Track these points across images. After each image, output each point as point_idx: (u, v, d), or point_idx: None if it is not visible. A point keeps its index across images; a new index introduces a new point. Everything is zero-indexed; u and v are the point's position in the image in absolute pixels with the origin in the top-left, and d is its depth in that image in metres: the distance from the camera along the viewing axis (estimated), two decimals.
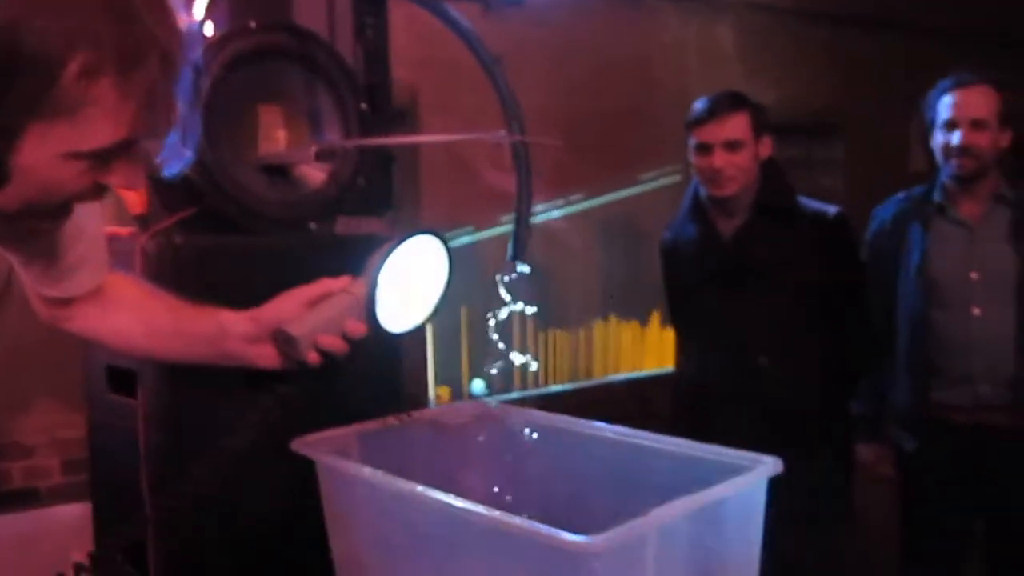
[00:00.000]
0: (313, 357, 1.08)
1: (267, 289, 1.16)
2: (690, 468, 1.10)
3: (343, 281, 1.12)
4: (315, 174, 1.57)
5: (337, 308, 1.10)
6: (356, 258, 1.35)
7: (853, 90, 5.02)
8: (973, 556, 2.49)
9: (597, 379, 4.40)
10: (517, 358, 2.63)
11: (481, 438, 1.34)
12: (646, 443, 1.18)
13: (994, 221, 2.31)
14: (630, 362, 4.54)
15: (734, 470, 1.03)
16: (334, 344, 1.08)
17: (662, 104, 4.40)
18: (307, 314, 1.09)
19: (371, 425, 1.30)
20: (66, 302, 1.16)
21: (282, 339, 1.09)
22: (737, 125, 2.16)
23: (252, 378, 1.18)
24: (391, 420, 1.33)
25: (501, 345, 2.39)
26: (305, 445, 1.20)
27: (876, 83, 5.00)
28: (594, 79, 4.19)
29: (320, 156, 1.49)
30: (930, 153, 2.45)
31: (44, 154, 0.76)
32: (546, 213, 4.16)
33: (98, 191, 0.85)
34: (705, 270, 2.27)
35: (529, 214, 1.90)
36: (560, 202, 4.31)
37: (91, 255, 1.13)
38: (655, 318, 4.43)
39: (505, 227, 4.00)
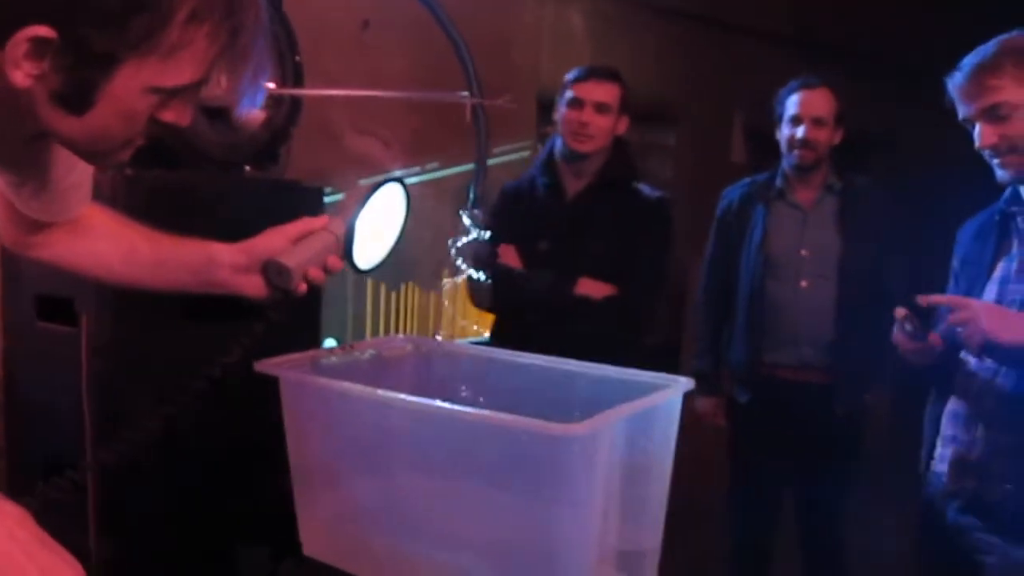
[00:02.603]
0: (301, 287, 1.20)
1: (208, 225, 1.26)
2: (611, 388, 1.31)
3: (322, 220, 1.24)
4: (254, 119, 1.65)
5: (320, 244, 1.21)
6: (288, 201, 1.48)
7: (687, 83, 5.42)
8: (790, 495, 2.89)
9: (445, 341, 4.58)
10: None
11: (418, 368, 1.50)
12: (572, 368, 1.38)
13: (824, 207, 2.68)
14: (474, 326, 4.75)
15: (652, 388, 1.25)
16: (318, 276, 1.21)
17: (516, 82, 4.61)
18: (295, 248, 1.20)
19: (321, 353, 1.43)
20: (43, 227, 1.20)
21: (275, 270, 1.19)
22: (610, 92, 2.45)
23: (227, 306, 1.28)
24: (337, 349, 1.47)
25: (462, 264, 2.52)
26: (270, 365, 1.31)
27: (708, 79, 5.43)
28: (453, 51, 4.33)
29: (267, 103, 1.58)
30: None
31: (133, 86, 0.83)
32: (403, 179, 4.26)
33: (150, 126, 0.92)
34: (544, 220, 2.49)
35: (485, 167, 2.05)
36: (416, 169, 4.43)
37: (82, 182, 1.18)
38: None
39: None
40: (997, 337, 1.60)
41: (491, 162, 4.79)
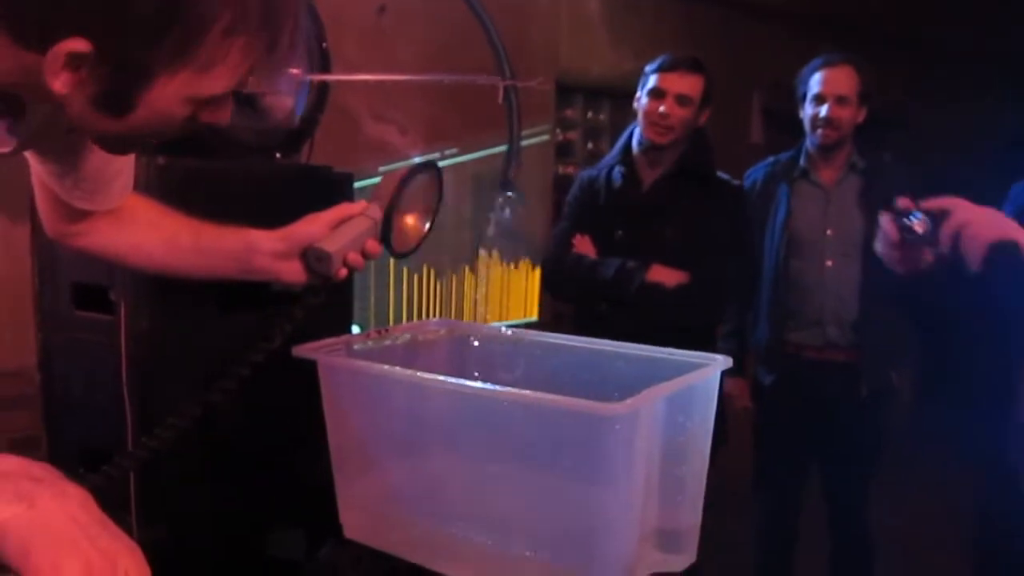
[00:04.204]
0: (342, 273, 1.21)
1: (240, 212, 1.26)
2: (648, 368, 1.31)
3: (360, 205, 1.24)
4: (282, 105, 1.66)
5: (359, 229, 1.22)
6: (318, 187, 1.48)
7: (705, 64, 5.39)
8: (816, 475, 2.89)
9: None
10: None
11: (453, 351, 1.50)
12: (608, 348, 1.39)
13: (847, 186, 2.67)
14: (497, 311, 4.76)
15: (689, 367, 1.26)
16: (358, 261, 1.21)
17: (534, 66, 4.60)
18: (335, 234, 1.21)
19: (357, 337, 1.44)
20: (85, 217, 1.22)
21: (314, 256, 1.20)
22: (694, 84, 2.41)
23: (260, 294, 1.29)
24: (373, 333, 1.48)
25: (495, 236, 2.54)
26: (308, 350, 1.32)
27: (725, 59, 5.40)
28: (470, 35, 4.32)
29: (296, 89, 1.59)
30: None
31: (169, 95, 0.83)
32: None
33: (187, 125, 0.91)
34: (620, 209, 2.49)
35: (518, 151, 2.06)
36: (436, 156, 4.43)
37: (123, 171, 1.19)
38: (524, 266, 4.66)
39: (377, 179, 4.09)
40: (1005, 234, 1.31)
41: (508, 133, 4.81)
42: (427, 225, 1.34)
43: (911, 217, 1.38)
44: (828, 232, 2.66)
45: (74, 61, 0.77)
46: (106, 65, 0.79)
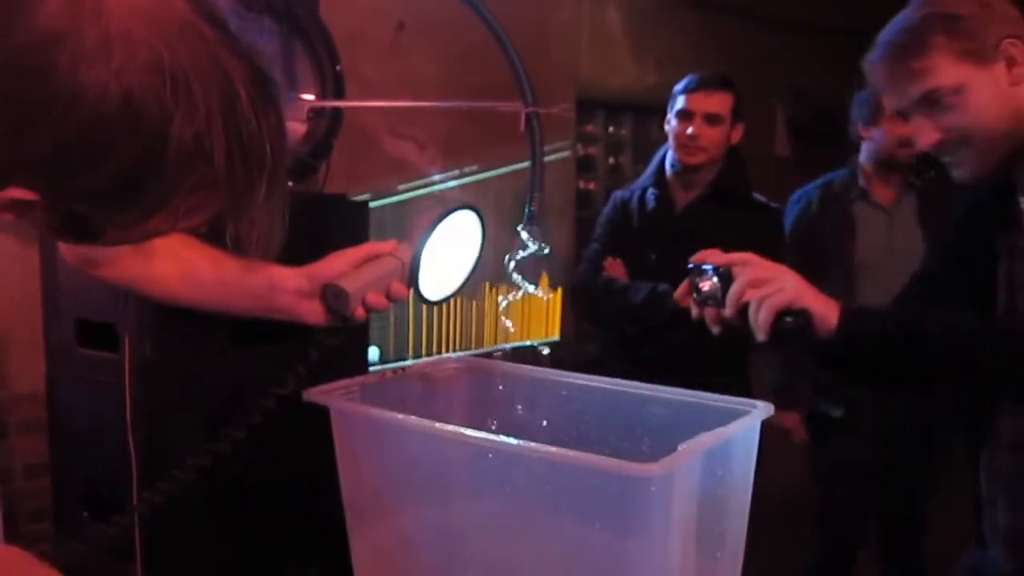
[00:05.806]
0: (360, 313, 1.14)
1: None
2: (682, 412, 1.23)
3: (389, 245, 1.18)
4: (295, 133, 1.60)
5: (384, 269, 1.17)
6: (333, 216, 1.40)
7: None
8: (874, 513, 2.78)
9: (488, 347, 4.51)
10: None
11: (473, 390, 1.42)
12: (641, 392, 1.29)
13: (906, 206, 2.59)
14: (518, 330, 4.67)
15: (728, 413, 1.17)
16: (379, 302, 1.15)
17: (554, 82, 4.53)
18: (357, 272, 1.16)
19: (371, 378, 1.36)
20: (106, 248, 1.15)
21: (332, 294, 1.14)
22: (721, 101, 2.37)
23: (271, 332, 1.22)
24: (388, 373, 1.40)
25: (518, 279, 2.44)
26: (319, 394, 1.24)
27: (749, 72, 5.31)
28: (489, 50, 4.26)
29: (310, 114, 1.52)
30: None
31: (135, 234, 0.75)
32: (442, 183, 4.20)
33: None
34: (652, 232, 2.44)
35: (542, 179, 1.99)
36: (455, 172, 4.36)
37: None
38: (544, 284, 4.57)
39: (401, 196, 4.02)
40: (797, 300, 1.19)
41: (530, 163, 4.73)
42: (466, 272, 1.27)
43: (700, 274, 1.29)
44: (893, 255, 2.56)
45: (20, 206, 0.69)
46: (57, 216, 0.71)
